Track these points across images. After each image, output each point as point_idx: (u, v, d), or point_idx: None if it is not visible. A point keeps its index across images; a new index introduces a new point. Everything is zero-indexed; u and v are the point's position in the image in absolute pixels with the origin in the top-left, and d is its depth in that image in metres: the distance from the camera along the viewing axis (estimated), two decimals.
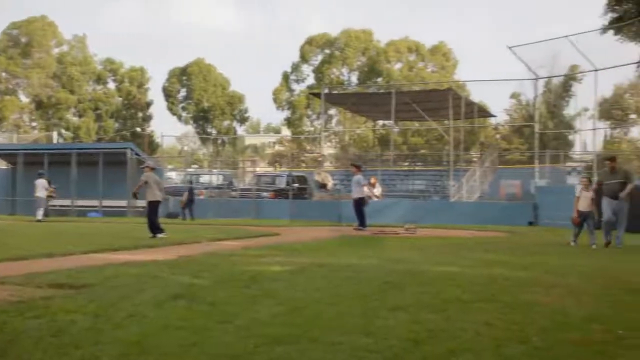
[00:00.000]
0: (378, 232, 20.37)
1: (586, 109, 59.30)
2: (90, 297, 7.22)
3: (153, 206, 16.98)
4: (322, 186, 35.41)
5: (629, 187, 14.94)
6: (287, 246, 14.45)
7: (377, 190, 28.24)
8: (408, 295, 7.54)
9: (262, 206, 30.63)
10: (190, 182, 31.74)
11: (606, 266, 10.80)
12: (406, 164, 51.08)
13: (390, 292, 7.88)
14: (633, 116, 61.64)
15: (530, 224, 25.49)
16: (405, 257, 11.93)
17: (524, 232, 21.12)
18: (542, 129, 44.02)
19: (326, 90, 45.01)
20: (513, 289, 8.13)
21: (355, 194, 22.04)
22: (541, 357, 4.93)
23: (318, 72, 71.21)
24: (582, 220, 15.27)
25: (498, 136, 65.60)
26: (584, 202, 15.21)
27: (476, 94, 62.24)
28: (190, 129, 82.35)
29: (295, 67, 73.48)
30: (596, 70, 27.68)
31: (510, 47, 28.66)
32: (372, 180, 26.56)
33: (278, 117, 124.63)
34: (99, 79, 75.70)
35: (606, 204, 15.03)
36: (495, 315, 6.48)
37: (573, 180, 30.08)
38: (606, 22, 34.86)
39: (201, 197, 30.81)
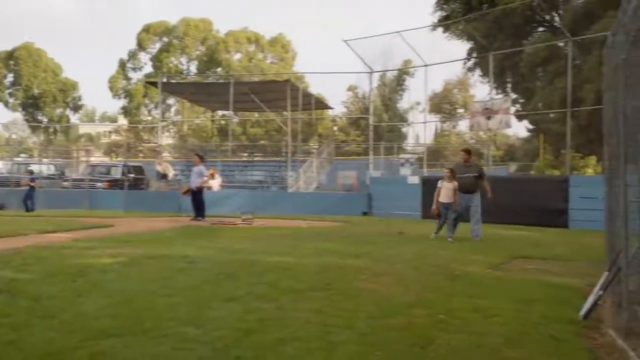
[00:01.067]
0: (217, 222, 20.26)
1: (418, 103, 61.84)
2: None
3: None
4: (163, 176, 34.76)
5: (486, 182, 15.15)
6: (120, 237, 14.04)
7: (217, 181, 28.07)
8: (242, 286, 7.55)
9: (96, 197, 29.58)
10: (32, 172, 29.96)
11: (432, 254, 11.31)
12: (245, 154, 51.10)
13: (224, 282, 7.87)
14: (461, 110, 64.88)
15: (365, 214, 26.22)
16: (242, 248, 11.96)
17: (358, 222, 21.68)
18: (377, 122, 45.37)
19: (164, 79, 44.15)
20: (345, 277, 8.35)
21: (195, 184, 21.81)
22: (366, 342, 5.10)
23: (156, 60, 69.69)
24: (444, 211, 14.87)
25: (335, 128, 66.99)
26: (446, 193, 14.86)
27: (315, 86, 63.48)
28: (18, 116, 78.21)
29: (132, 55, 71.53)
30: (426, 66, 28.74)
31: (345, 41, 29.21)
32: (211, 171, 26.33)
33: (114, 105, 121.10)
34: None
35: (460, 197, 14.89)
36: (326, 303, 6.63)
37: (406, 171, 31.15)
38: (435, 20, 36.60)
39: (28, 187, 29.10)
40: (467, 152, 16.20)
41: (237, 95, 34.69)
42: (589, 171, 31.80)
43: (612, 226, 7.34)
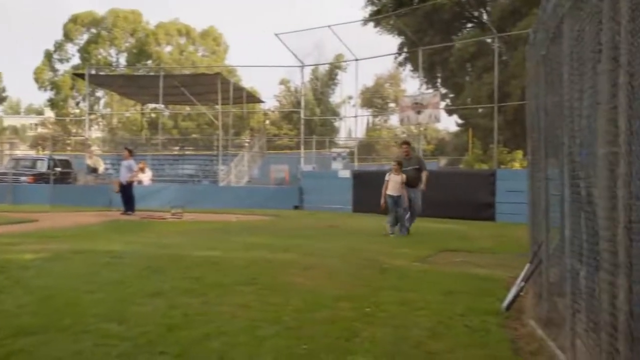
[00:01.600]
0: (146, 216, 20.06)
1: (350, 97, 62.16)
2: None
3: None
4: (94, 170, 34.11)
5: (425, 175, 14.97)
6: (45, 233, 13.71)
7: (147, 175, 27.67)
8: (168, 281, 7.48)
9: (20, 191, 28.81)
10: None
11: (361, 248, 11.38)
12: (176, 148, 50.56)
13: (150, 277, 7.77)
14: (392, 105, 65.47)
15: (296, 207, 26.22)
16: (170, 242, 11.82)
17: (289, 216, 21.68)
18: (308, 116, 45.47)
19: (92, 71, 43.28)
20: (273, 271, 8.34)
21: (124, 179, 21.53)
22: (292, 336, 5.09)
23: (84, 52, 68.13)
24: (393, 204, 14.54)
25: (267, 122, 66.81)
26: (394, 186, 14.57)
27: (248, 80, 63.09)
28: None
29: (59, 46, 69.73)
30: (357, 60, 28.88)
31: (277, 34, 29.12)
32: (142, 165, 25.94)
33: (41, 97, 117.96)
34: None
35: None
36: (253, 297, 6.61)
37: (337, 165, 31.29)
38: (367, 15, 36.85)
39: None
40: (407, 144, 16.21)
41: (168, 88, 34.29)
42: (516, 165, 32.45)
43: (534, 219, 7.51)
